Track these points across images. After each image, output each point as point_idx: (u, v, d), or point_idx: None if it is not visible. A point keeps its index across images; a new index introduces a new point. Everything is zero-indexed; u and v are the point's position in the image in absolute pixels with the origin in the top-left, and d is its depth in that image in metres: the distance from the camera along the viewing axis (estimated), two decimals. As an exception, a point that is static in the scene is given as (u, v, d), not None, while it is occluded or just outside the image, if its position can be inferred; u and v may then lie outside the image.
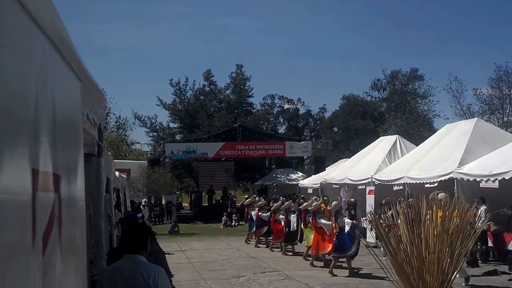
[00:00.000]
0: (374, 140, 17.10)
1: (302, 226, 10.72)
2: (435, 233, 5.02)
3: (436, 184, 10.11)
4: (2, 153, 1.04)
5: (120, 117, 29.79)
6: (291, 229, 11.14)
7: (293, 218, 11.20)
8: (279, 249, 11.69)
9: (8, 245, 1.06)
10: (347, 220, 8.69)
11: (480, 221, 5.92)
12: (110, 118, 26.94)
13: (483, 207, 8.62)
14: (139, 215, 11.46)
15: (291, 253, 11.16)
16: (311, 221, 9.94)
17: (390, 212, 6.11)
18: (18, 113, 1.19)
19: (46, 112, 1.45)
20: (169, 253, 11.46)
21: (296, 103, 41.03)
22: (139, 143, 27.25)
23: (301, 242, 11.06)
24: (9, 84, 1.12)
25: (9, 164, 1.08)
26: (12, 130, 1.12)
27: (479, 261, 9.22)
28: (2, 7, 1.08)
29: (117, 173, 8.55)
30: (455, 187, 9.73)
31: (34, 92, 1.31)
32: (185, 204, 27.03)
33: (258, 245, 12.72)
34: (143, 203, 15.98)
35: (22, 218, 1.19)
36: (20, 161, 1.17)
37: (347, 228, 8.56)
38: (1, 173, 1.02)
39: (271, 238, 12.19)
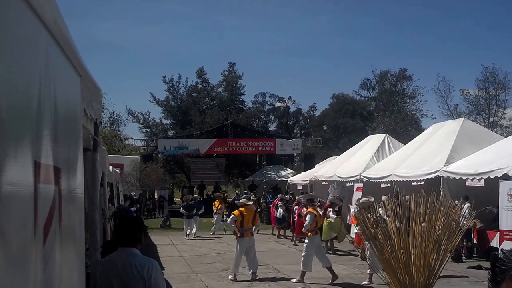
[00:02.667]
0: (363, 139, 17.34)
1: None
2: (422, 229, 5.16)
3: (423, 182, 10.33)
4: (6, 145, 1.06)
5: (113, 112, 29.89)
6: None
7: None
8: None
9: (11, 236, 1.08)
10: None
11: (465, 219, 6.10)
12: (104, 114, 26.83)
13: (466, 205, 8.87)
14: (133, 209, 11.55)
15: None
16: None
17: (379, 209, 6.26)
18: (22, 107, 1.21)
19: (48, 106, 1.46)
20: (160, 247, 11.55)
21: (287, 101, 41.27)
22: (132, 138, 27.47)
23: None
24: (15, 78, 1.13)
25: (13, 156, 1.10)
26: (17, 123, 1.14)
27: (463, 257, 9.48)
28: (8, 4, 1.10)
29: (110, 167, 8.57)
30: (441, 185, 9.97)
31: (37, 86, 1.33)
32: (177, 199, 27.09)
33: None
34: (132, 195, 16.14)
35: (25, 210, 1.21)
36: (23, 153, 1.19)
37: None
38: (5, 166, 1.04)
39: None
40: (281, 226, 14.09)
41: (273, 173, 24.93)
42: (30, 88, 1.28)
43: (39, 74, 1.36)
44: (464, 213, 6.23)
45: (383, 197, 9.79)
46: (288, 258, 10.16)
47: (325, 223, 10.92)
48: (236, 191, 23.91)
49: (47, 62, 1.45)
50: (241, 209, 7.71)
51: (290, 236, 13.32)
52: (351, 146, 17.94)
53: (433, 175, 10.42)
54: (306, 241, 7.77)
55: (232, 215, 7.78)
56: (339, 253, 10.74)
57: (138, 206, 16.78)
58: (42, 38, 1.41)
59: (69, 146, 1.87)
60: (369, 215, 5.79)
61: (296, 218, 12.27)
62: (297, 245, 11.95)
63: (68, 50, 1.84)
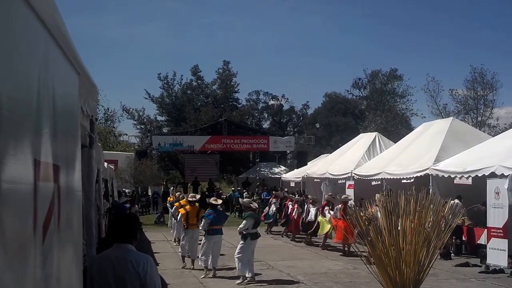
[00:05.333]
0: (355, 137, 17.52)
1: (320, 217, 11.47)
2: (412, 226, 5.26)
3: (412, 180, 10.50)
4: (7, 143, 1.06)
5: (108, 109, 29.86)
6: (309, 220, 11.76)
7: (312, 209, 11.81)
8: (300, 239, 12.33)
9: (11, 233, 1.09)
10: None
11: (454, 216, 6.23)
12: (99, 110, 26.69)
13: (454, 201, 9.04)
14: (127, 205, 11.55)
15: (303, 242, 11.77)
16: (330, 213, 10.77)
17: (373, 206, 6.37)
18: (22, 105, 1.21)
19: (48, 104, 1.47)
20: (155, 243, 11.62)
21: (280, 99, 41.55)
22: (126, 134, 27.42)
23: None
24: (15, 77, 1.14)
25: (13, 154, 1.10)
26: (17, 121, 1.15)
27: (452, 254, 9.65)
28: (7, 2, 1.10)
29: (105, 164, 8.56)
30: (431, 183, 10.14)
31: (37, 85, 1.34)
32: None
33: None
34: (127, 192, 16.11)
35: (25, 207, 1.22)
36: (23, 151, 1.20)
37: None
38: (5, 164, 1.04)
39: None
40: (267, 222, 14.25)
41: (266, 170, 25.05)
42: (30, 86, 1.29)
43: (39, 73, 1.36)
44: (448, 208, 6.36)
45: (377, 196, 10.02)
46: (282, 254, 10.28)
47: (322, 219, 11.20)
48: (232, 188, 24.00)
49: (46, 60, 1.46)
50: (186, 207, 8.72)
51: (281, 232, 13.50)
52: (343, 144, 18.10)
53: (422, 173, 10.58)
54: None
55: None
56: (329, 248, 10.89)
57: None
58: (40, 36, 1.41)
59: (67, 144, 1.89)
60: (361, 213, 5.90)
61: (295, 216, 12.49)
62: (295, 241, 12.15)
63: (67, 48, 1.83)
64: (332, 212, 10.99)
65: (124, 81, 65.50)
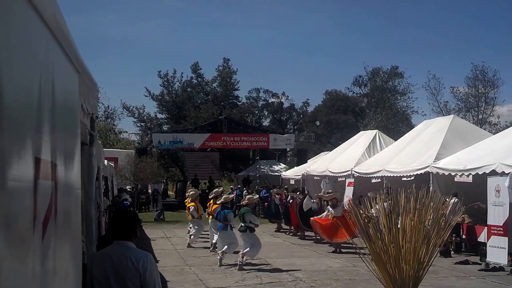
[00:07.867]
0: (355, 134, 17.54)
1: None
2: (412, 224, 5.27)
3: (412, 178, 10.50)
4: (8, 142, 1.07)
5: (108, 106, 30.02)
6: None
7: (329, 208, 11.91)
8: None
9: (12, 231, 1.10)
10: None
11: (454, 214, 6.24)
12: (99, 108, 26.82)
13: (453, 200, 9.04)
14: (126, 203, 11.59)
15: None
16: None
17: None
18: (24, 104, 1.23)
19: (48, 103, 1.48)
20: (154, 240, 11.65)
21: (280, 97, 41.61)
22: (127, 132, 27.54)
23: None
24: (18, 76, 1.15)
25: (16, 153, 1.12)
26: (19, 120, 1.16)
27: (452, 252, 9.66)
28: (10, 1, 1.11)
29: (105, 161, 8.56)
30: (431, 181, 10.14)
31: (38, 84, 1.35)
32: (170, 193, 27.13)
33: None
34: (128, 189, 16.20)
35: (26, 205, 1.24)
36: (25, 150, 1.21)
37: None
38: (8, 162, 1.06)
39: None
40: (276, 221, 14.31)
41: (266, 167, 25.06)
42: (32, 85, 1.30)
43: (40, 72, 1.37)
44: (450, 208, 6.36)
45: (369, 194, 10.03)
46: (281, 251, 10.30)
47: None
48: (231, 186, 24.04)
49: (46, 59, 1.47)
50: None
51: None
52: (343, 142, 18.12)
53: (422, 171, 10.58)
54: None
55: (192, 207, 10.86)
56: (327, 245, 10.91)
57: (130, 200, 16.86)
58: (42, 35, 1.42)
59: (67, 142, 1.90)
60: (360, 211, 5.90)
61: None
62: (303, 239, 12.11)
63: (67, 47, 1.84)
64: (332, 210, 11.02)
65: (125, 79, 65.79)
